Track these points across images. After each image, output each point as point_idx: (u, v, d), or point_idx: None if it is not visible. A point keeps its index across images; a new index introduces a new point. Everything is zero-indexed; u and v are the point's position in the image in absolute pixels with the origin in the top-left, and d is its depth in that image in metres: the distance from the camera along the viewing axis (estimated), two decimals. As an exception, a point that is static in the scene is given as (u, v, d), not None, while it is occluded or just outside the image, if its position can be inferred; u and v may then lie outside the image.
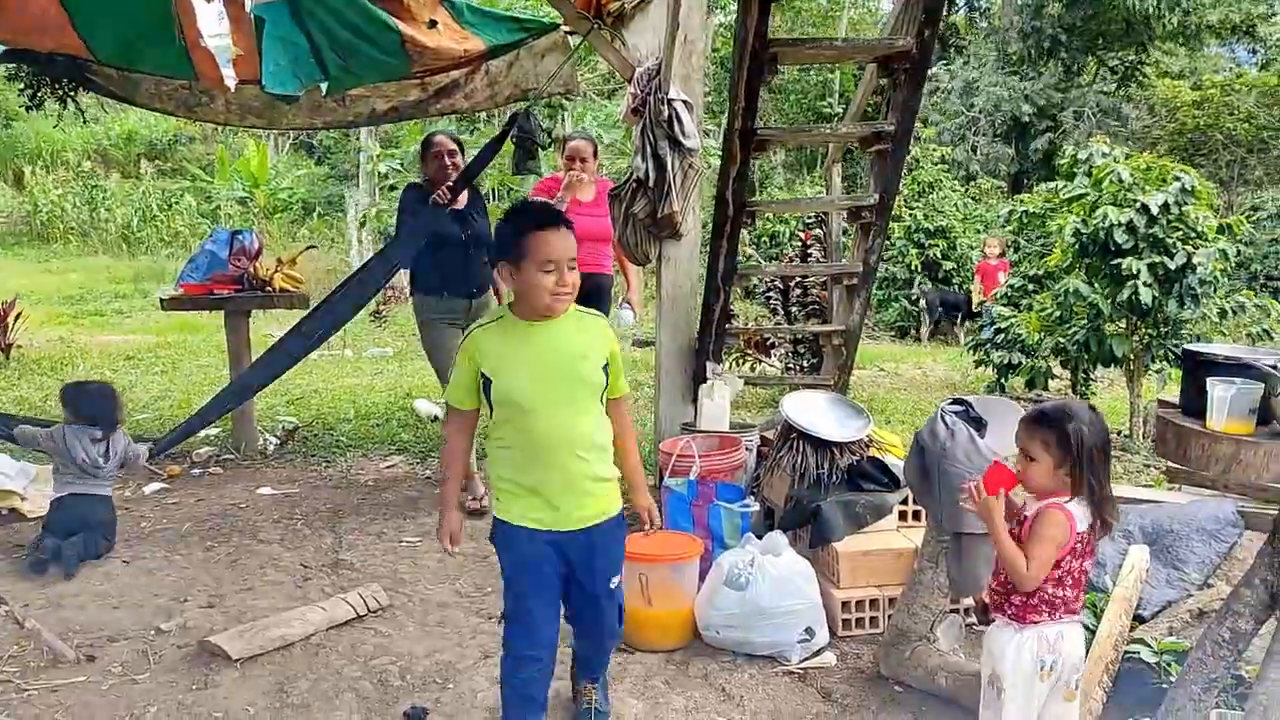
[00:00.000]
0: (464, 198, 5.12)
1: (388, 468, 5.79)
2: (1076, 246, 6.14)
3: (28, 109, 5.25)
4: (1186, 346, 2.83)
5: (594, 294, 5.49)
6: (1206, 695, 2.71)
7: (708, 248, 4.87)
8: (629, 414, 2.87)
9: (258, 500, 5.21)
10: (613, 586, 2.78)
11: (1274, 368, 2.43)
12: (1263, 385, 2.45)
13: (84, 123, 6.23)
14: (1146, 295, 5.73)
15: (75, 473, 4.34)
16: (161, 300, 6.02)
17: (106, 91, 5.24)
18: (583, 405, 2.62)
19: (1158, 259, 5.80)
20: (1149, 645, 3.23)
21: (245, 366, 5.69)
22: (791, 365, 7.57)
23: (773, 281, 7.86)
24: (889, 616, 3.59)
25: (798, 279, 7.60)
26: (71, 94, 5.14)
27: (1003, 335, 7.28)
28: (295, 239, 16.56)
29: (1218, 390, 2.45)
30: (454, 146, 5.15)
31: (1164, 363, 6.09)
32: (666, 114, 4.50)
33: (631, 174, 4.72)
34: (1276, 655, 2.49)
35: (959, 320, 12.50)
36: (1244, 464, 2.35)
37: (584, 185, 5.32)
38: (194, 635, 3.59)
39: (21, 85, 5.17)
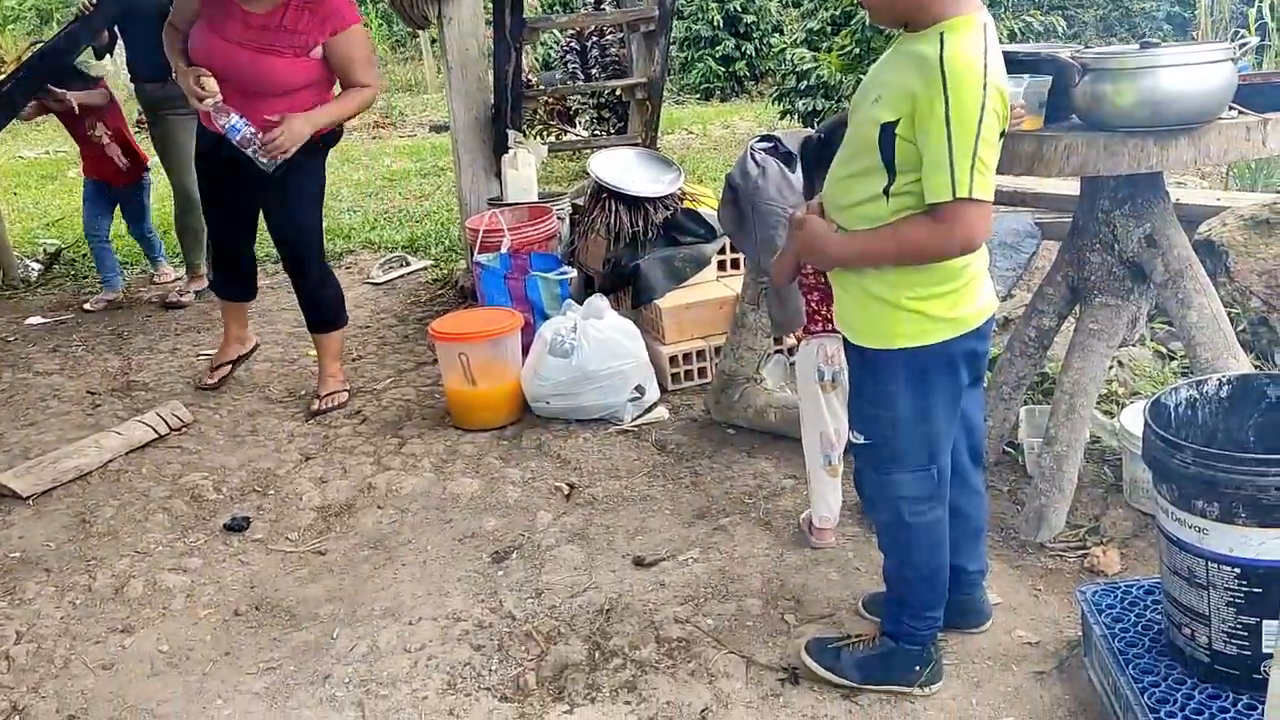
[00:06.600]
0: None
1: (172, 281, 5.31)
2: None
3: None
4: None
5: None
6: (1016, 393, 2.84)
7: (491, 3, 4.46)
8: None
9: (28, 331, 4.70)
10: None
11: (1071, 59, 2.38)
12: (1050, 79, 2.41)
13: None
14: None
15: None
16: None
17: None
18: None
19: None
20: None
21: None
22: (597, 131, 7.32)
23: (569, 44, 7.44)
24: (716, 364, 3.60)
25: (594, 37, 7.20)
26: None
27: (805, 82, 7.19)
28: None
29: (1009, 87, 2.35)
30: None
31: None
32: None
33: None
34: (1079, 346, 2.59)
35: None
36: (1045, 160, 2.34)
37: None
38: (-26, 480, 3.25)
39: None
